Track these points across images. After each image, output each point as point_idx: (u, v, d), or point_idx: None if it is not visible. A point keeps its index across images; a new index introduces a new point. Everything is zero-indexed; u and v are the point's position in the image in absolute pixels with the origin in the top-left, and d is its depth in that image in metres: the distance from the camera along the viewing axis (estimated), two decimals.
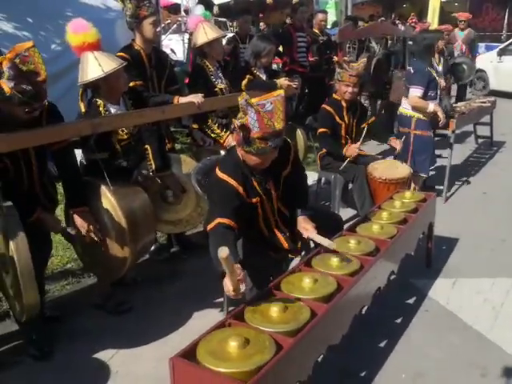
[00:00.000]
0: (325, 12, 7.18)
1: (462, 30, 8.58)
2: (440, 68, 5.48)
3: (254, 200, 2.54)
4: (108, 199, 2.77)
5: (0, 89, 2.28)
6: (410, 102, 4.69)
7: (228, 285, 1.96)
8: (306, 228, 2.57)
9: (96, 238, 2.75)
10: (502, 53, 11.51)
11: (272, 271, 2.55)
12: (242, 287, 1.96)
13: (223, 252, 1.78)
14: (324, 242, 2.49)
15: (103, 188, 2.78)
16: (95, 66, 2.71)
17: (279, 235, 2.65)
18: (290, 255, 2.71)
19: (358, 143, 4.18)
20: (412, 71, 4.77)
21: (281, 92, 2.31)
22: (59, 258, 3.71)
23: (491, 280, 3.41)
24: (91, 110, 2.84)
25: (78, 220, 2.72)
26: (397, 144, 4.35)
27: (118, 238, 2.79)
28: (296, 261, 2.74)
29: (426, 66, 4.70)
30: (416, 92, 4.62)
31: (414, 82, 4.66)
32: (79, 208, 2.75)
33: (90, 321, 3.04)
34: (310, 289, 2.15)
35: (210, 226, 2.36)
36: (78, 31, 2.71)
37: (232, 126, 2.47)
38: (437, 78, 4.80)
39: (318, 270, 2.35)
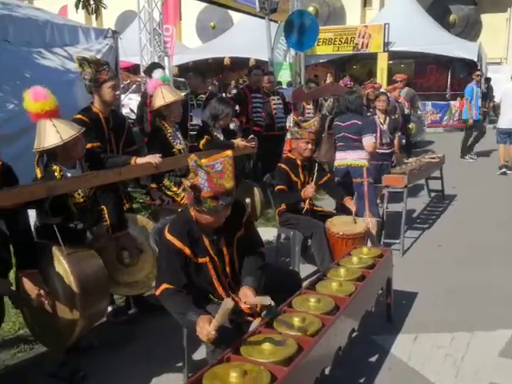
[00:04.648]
0: (272, 74, 7.47)
1: (401, 88, 9.21)
2: (384, 127, 5.90)
3: (202, 260, 2.55)
4: (60, 263, 2.68)
5: None
6: (370, 148, 5.06)
7: (207, 328, 2.10)
8: (247, 295, 2.45)
9: (45, 303, 2.64)
10: None
11: (232, 333, 2.50)
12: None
13: (230, 303, 2.04)
14: (263, 300, 2.36)
15: (56, 251, 2.70)
16: (53, 133, 2.71)
17: (236, 298, 2.61)
18: (249, 318, 2.66)
19: (312, 183, 4.27)
20: (360, 123, 5.13)
21: (229, 153, 2.43)
22: (11, 324, 3.52)
23: (451, 334, 3.44)
24: (47, 176, 2.81)
25: (27, 283, 2.62)
26: (351, 205, 4.39)
27: (69, 303, 2.69)
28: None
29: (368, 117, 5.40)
30: (372, 139, 5.09)
31: (366, 132, 5.07)
32: (29, 270, 2.65)
33: None
34: (269, 351, 2.11)
35: (157, 292, 2.46)
36: (38, 99, 2.70)
37: (182, 186, 2.53)
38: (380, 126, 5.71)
39: (279, 331, 2.32)
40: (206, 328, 2.08)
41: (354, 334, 2.89)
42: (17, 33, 6.04)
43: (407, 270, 4.46)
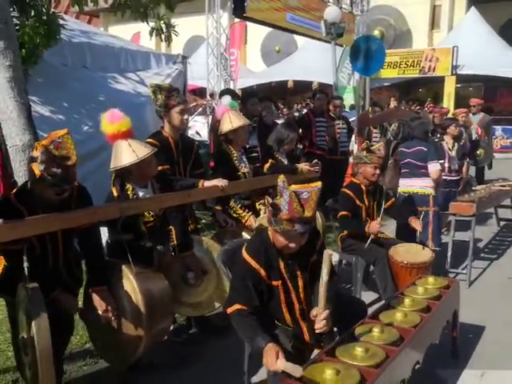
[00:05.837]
0: (340, 98, 7.52)
1: (475, 114, 8.90)
2: (453, 153, 5.76)
3: (275, 283, 2.55)
4: (130, 281, 2.79)
5: (31, 171, 2.42)
6: (435, 175, 4.94)
7: (274, 364, 2.12)
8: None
9: (112, 319, 2.74)
10: None
11: (294, 359, 2.49)
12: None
13: (299, 374, 2.05)
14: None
15: (126, 270, 2.81)
16: (129, 152, 2.85)
17: (303, 326, 2.61)
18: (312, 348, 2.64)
19: (379, 218, 4.20)
20: (425, 149, 5.03)
21: (318, 184, 2.44)
22: (78, 337, 3.66)
23: None
24: (123, 195, 2.94)
25: (96, 299, 2.73)
26: (417, 225, 4.34)
27: (135, 321, 2.78)
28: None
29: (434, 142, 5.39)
30: (438, 165, 4.96)
31: (432, 158, 4.97)
32: (98, 287, 2.77)
33: None
34: (331, 382, 2.09)
35: (229, 310, 2.44)
36: (114, 121, 2.87)
37: (264, 202, 2.55)
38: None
39: (341, 361, 2.29)
40: (273, 362, 2.09)
41: (418, 367, 2.80)
42: (94, 59, 6.45)
43: (474, 302, 4.26)
